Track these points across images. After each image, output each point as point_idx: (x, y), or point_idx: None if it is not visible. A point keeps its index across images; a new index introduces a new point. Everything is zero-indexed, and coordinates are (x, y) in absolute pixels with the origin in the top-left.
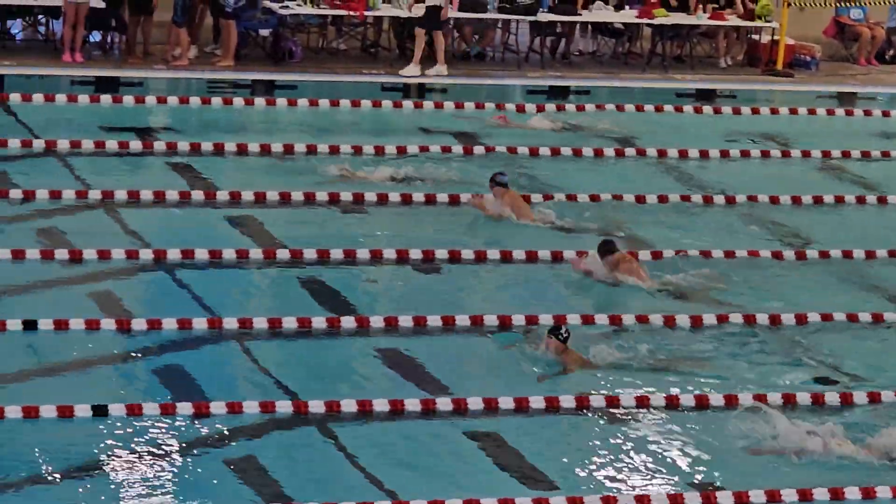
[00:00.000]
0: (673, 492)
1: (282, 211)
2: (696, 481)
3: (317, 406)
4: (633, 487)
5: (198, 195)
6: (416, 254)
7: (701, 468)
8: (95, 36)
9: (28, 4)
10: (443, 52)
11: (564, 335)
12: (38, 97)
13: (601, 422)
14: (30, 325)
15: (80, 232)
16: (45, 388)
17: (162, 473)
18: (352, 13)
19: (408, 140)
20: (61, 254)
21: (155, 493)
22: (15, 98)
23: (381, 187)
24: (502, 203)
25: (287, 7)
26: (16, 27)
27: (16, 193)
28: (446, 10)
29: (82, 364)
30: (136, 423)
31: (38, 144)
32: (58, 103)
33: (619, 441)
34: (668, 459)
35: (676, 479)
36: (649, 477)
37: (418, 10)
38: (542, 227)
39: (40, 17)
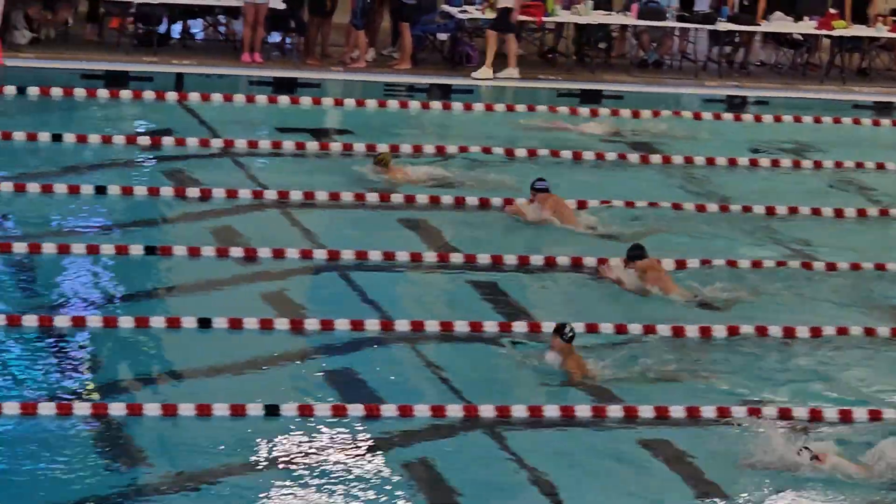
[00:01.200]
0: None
1: (456, 214)
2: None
3: (487, 411)
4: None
5: (372, 197)
6: (590, 261)
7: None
8: (275, 37)
9: (209, 4)
10: (514, 56)
11: (569, 335)
12: (216, 97)
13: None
14: (204, 323)
15: (254, 231)
16: (219, 387)
17: (332, 475)
18: (530, 18)
19: (584, 146)
20: (236, 252)
21: (325, 493)
22: (194, 97)
23: (557, 192)
24: (543, 209)
25: (465, 11)
26: (196, 27)
27: (192, 192)
28: (516, 13)
29: (255, 363)
30: (307, 424)
31: (216, 144)
32: (236, 103)
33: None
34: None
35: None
36: (828, 489)
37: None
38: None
39: (221, 17)
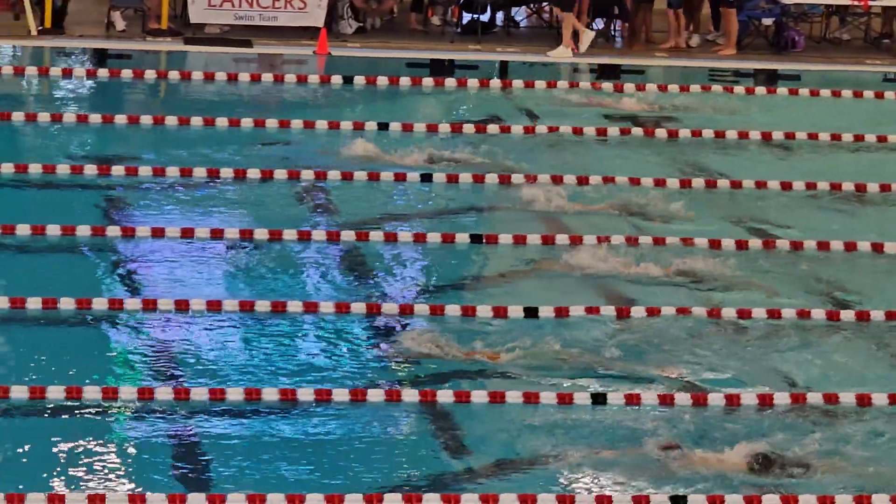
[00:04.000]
0: None
1: (782, 198)
2: None
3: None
4: None
5: (698, 183)
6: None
7: None
8: (598, 23)
9: None
10: (569, 33)
11: None
12: (540, 83)
13: None
14: (531, 312)
15: (577, 218)
16: (544, 374)
17: (655, 462)
18: (856, 3)
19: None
20: (561, 239)
21: (651, 479)
22: (518, 84)
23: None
24: None
25: None
26: (520, 14)
27: (517, 179)
28: None
29: (581, 352)
30: (633, 411)
31: (541, 131)
32: (559, 89)
33: None
34: None
35: None
36: None
37: None
38: None
39: (544, 4)
